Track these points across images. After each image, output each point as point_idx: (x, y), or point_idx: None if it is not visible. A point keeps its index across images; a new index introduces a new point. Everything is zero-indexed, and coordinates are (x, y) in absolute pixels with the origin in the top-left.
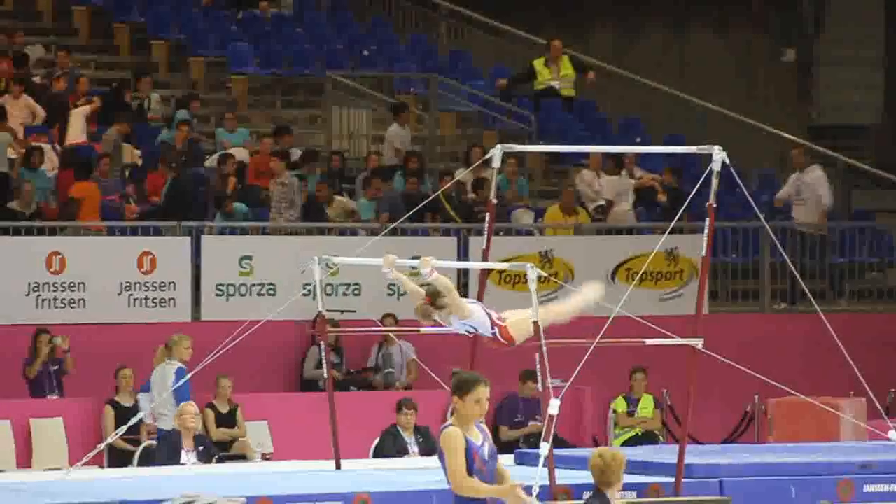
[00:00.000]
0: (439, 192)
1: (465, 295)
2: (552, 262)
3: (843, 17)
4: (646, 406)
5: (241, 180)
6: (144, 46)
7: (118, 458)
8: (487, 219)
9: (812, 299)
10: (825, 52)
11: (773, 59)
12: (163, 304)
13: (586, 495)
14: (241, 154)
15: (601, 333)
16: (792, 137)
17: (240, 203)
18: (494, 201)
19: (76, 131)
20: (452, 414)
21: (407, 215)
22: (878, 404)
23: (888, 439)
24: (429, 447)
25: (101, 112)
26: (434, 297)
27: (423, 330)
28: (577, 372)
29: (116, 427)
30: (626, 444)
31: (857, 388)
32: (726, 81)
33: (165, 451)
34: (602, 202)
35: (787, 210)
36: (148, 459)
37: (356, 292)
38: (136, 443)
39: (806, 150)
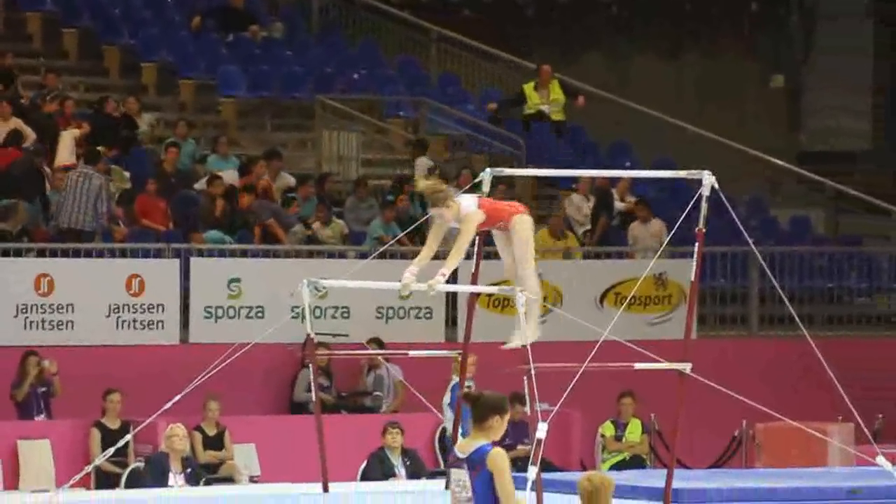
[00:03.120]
0: (427, 216)
1: (454, 320)
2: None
3: (831, 43)
4: (634, 430)
5: (230, 203)
6: (134, 69)
7: (105, 480)
8: (476, 243)
9: (800, 324)
10: (814, 77)
11: (762, 85)
12: (151, 327)
13: None
14: (231, 178)
15: (589, 358)
16: (780, 163)
17: (216, 231)
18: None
19: (65, 154)
20: (466, 435)
21: (395, 238)
22: (865, 429)
23: (876, 464)
24: (416, 470)
25: (89, 134)
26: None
27: (411, 353)
28: (565, 396)
29: (103, 449)
30: (613, 468)
31: (845, 414)
32: (716, 106)
33: (153, 473)
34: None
35: (776, 235)
36: (135, 482)
37: (345, 315)
38: (124, 465)
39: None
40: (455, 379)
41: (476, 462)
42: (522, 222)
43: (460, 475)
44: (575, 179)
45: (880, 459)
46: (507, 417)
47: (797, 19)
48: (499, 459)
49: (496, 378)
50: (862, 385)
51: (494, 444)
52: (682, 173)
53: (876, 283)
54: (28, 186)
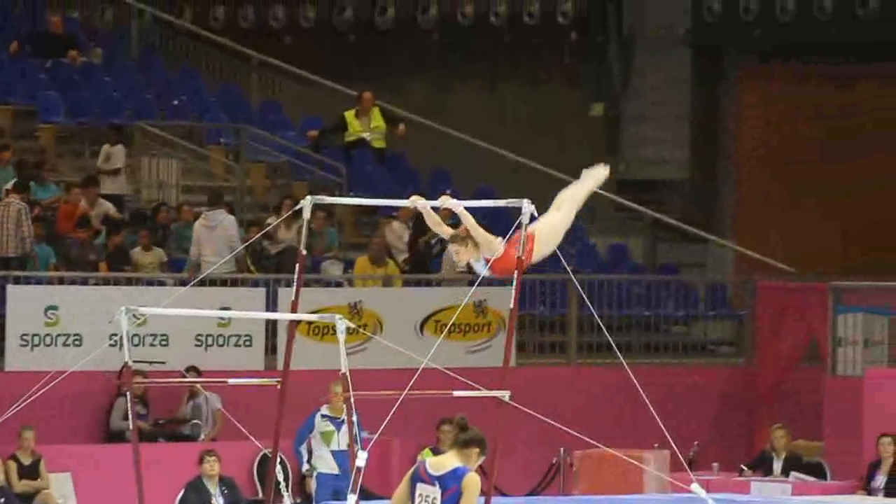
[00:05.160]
0: (247, 243)
1: (273, 348)
2: (361, 314)
3: (649, 73)
4: None
5: (48, 229)
6: None
7: None
8: (297, 270)
9: (618, 352)
10: (632, 107)
11: (582, 114)
12: None
13: None
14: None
15: (409, 385)
16: (598, 190)
17: (46, 246)
18: (304, 252)
19: None
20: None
21: (216, 265)
22: (681, 457)
23: (690, 491)
24: (233, 498)
25: None
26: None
27: (230, 381)
28: (385, 424)
29: None
30: None
31: (662, 441)
32: (537, 135)
33: None
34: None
35: (595, 263)
36: None
37: (164, 343)
38: None
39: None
40: (323, 408)
41: (451, 482)
42: None
43: (428, 492)
44: (395, 207)
45: (695, 487)
46: (483, 457)
47: (616, 48)
48: (473, 483)
49: (309, 405)
50: (678, 413)
51: None
52: (501, 202)
53: (692, 311)
54: None
